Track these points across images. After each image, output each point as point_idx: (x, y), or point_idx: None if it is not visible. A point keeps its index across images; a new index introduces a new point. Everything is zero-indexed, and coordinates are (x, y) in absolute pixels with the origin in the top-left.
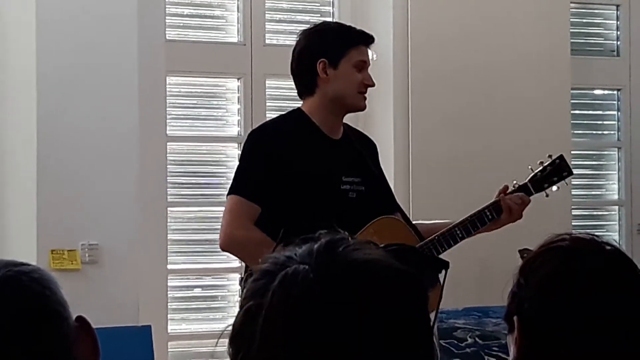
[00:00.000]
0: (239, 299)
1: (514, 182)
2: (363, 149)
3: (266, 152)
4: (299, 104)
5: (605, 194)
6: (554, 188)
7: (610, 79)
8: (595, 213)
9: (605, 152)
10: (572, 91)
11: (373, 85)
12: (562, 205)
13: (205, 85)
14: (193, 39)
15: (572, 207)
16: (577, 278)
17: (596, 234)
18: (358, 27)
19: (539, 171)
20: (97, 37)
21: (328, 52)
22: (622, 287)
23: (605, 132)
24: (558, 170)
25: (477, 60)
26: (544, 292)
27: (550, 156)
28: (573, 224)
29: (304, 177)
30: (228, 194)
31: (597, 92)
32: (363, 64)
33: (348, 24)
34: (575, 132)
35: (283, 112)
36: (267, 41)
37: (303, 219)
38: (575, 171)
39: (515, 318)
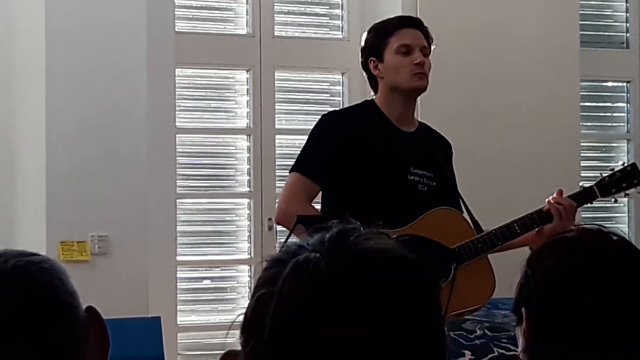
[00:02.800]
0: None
1: (580, 184)
2: (437, 147)
3: (335, 136)
4: (307, 95)
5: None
6: (623, 195)
7: (620, 71)
8: (604, 205)
9: (615, 144)
10: (581, 83)
11: (421, 63)
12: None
13: (214, 77)
14: (202, 31)
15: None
16: (584, 269)
17: (604, 225)
18: (401, 16)
19: (607, 176)
20: (107, 30)
21: (373, 50)
22: (629, 278)
23: (614, 124)
24: (629, 177)
25: (486, 53)
26: (551, 283)
27: (623, 163)
28: (582, 216)
29: (371, 163)
30: (290, 171)
31: (607, 84)
32: (406, 48)
33: (400, 14)
34: (585, 124)
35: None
36: (276, 33)
37: (369, 205)
38: (584, 163)
39: (523, 310)
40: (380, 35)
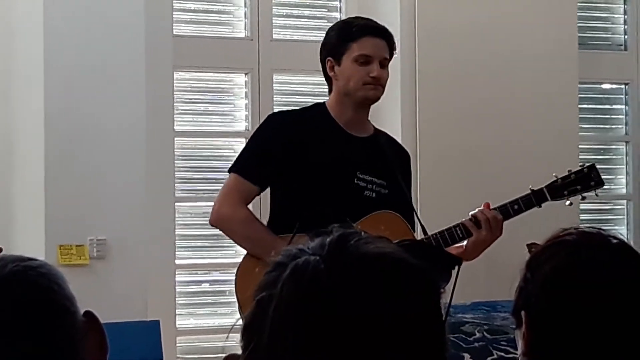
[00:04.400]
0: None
1: (530, 186)
2: (393, 155)
3: (277, 137)
4: (306, 99)
5: (613, 188)
6: (579, 197)
7: (618, 73)
8: (603, 207)
9: (613, 146)
10: (579, 85)
11: (377, 77)
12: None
13: (212, 80)
14: (200, 34)
15: (580, 201)
16: (583, 271)
17: (603, 227)
18: (367, 21)
19: (561, 177)
20: (105, 33)
21: (332, 50)
22: (628, 280)
23: (612, 126)
24: (584, 179)
25: (485, 54)
26: (551, 286)
27: (581, 165)
28: (581, 218)
29: (315, 166)
30: (229, 171)
31: (605, 86)
32: (365, 58)
33: (359, 16)
34: (583, 126)
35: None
36: (275, 36)
37: (312, 208)
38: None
39: (522, 313)
40: (342, 38)
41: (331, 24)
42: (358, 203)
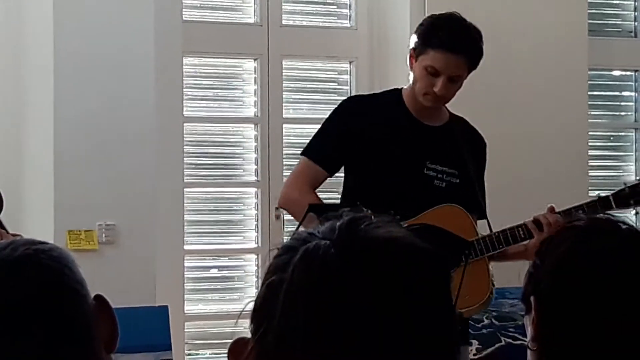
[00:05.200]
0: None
1: (598, 193)
2: (467, 145)
3: (351, 122)
4: (315, 84)
5: (622, 174)
6: None
7: (628, 60)
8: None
9: (623, 133)
10: (589, 72)
11: (437, 94)
12: (579, 186)
13: (222, 66)
14: (210, 20)
15: (589, 188)
16: (593, 257)
17: (612, 214)
18: (456, 32)
19: (629, 186)
20: (114, 19)
21: (415, 45)
22: (637, 266)
23: (622, 113)
24: None
25: (494, 42)
26: (560, 272)
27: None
28: None
29: (384, 154)
30: (300, 154)
31: (615, 73)
32: (433, 70)
33: (452, 17)
34: (593, 113)
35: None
36: (284, 22)
37: (381, 196)
38: (592, 152)
39: (532, 298)
40: (424, 39)
41: (340, 9)
42: (427, 192)
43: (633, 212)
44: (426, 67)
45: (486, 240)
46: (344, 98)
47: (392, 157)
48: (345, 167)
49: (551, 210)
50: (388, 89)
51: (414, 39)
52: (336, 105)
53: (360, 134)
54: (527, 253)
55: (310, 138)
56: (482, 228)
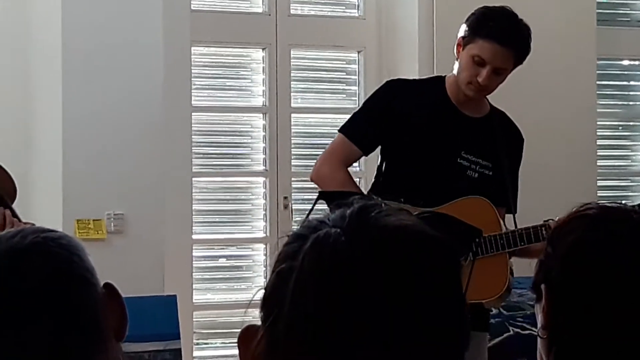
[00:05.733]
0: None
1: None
2: (505, 138)
3: (391, 105)
4: (323, 74)
5: (631, 164)
6: None
7: (637, 49)
8: (621, 184)
9: (632, 123)
10: (598, 62)
11: (481, 84)
12: (588, 175)
13: (230, 55)
14: (218, 9)
15: (598, 177)
16: (603, 245)
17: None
18: (507, 24)
19: None
20: (123, 8)
21: (464, 33)
22: None
23: (631, 103)
24: None
25: None
26: (572, 260)
27: None
28: (599, 194)
29: (420, 140)
30: (339, 130)
31: (624, 62)
32: (480, 59)
33: (504, 9)
34: (601, 102)
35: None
36: (292, 11)
37: (414, 181)
38: (600, 142)
39: (542, 286)
40: (474, 28)
41: (347, 0)
42: (459, 181)
43: None
44: (473, 56)
45: (509, 235)
46: (387, 80)
47: (428, 143)
48: (381, 149)
49: None
50: (432, 75)
51: (463, 27)
52: (379, 86)
53: (399, 116)
54: None
55: (350, 115)
56: (509, 223)
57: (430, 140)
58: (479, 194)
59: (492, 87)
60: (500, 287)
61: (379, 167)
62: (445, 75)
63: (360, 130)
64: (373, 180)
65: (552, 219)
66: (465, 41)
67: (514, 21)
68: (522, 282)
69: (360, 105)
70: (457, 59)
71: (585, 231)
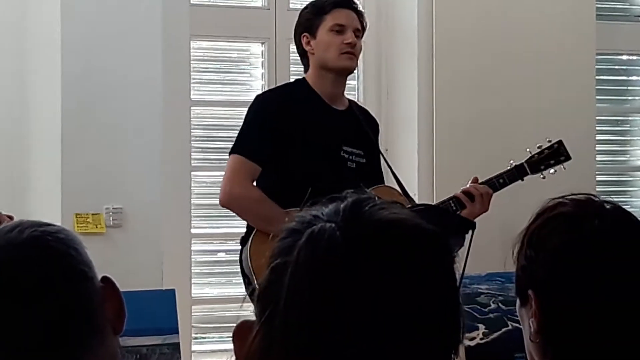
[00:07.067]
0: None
1: (511, 161)
2: (367, 125)
3: (270, 116)
4: None
5: (630, 159)
6: (551, 171)
7: (636, 44)
8: (619, 179)
9: (630, 118)
10: (597, 56)
11: (352, 43)
12: (587, 170)
13: (229, 49)
14: (217, 3)
15: (597, 172)
16: (590, 242)
17: (613, 198)
18: None
19: (536, 153)
20: (122, 2)
21: (307, 25)
22: (632, 243)
23: (630, 98)
24: (555, 154)
25: (502, 24)
26: (560, 262)
27: (549, 141)
28: (597, 189)
29: (306, 140)
30: (230, 153)
31: (623, 57)
32: (340, 27)
33: None
34: (600, 97)
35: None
36: (291, 5)
37: (303, 182)
38: (599, 137)
39: (530, 292)
40: (316, 12)
41: None
42: (342, 174)
43: None
44: (331, 28)
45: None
46: (257, 95)
47: (314, 142)
48: (270, 159)
49: (475, 180)
50: (289, 81)
51: (302, 25)
52: (252, 103)
53: (284, 124)
54: None
55: (237, 136)
56: None
57: (318, 139)
58: (360, 182)
59: (358, 51)
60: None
61: (266, 179)
62: (303, 77)
63: (255, 147)
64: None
65: (461, 192)
66: (312, 30)
67: None
68: None
69: (243, 124)
70: (310, 55)
71: (567, 232)
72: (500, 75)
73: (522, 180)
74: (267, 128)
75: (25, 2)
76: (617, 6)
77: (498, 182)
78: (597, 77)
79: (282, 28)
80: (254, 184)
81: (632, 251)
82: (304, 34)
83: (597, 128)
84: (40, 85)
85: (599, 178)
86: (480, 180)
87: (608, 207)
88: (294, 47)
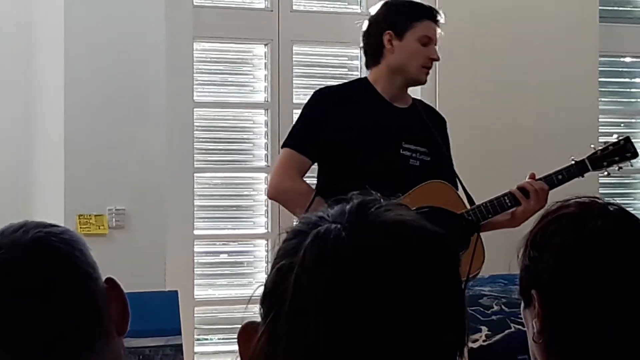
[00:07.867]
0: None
1: (572, 158)
2: (432, 123)
3: (327, 111)
4: (325, 70)
5: (633, 161)
6: (616, 168)
7: (639, 46)
8: (622, 181)
9: (633, 120)
10: (600, 59)
11: (437, 59)
12: (590, 172)
13: (232, 51)
14: (220, 5)
15: (599, 175)
16: (593, 242)
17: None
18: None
19: (600, 149)
20: (125, 4)
21: (395, 24)
22: (635, 243)
23: (633, 100)
24: (621, 150)
25: (505, 27)
26: (563, 262)
27: (618, 137)
28: (600, 191)
29: (362, 138)
30: (282, 146)
31: (626, 59)
32: (428, 40)
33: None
34: (603, 99)
35: (341, 79)
36: (295, 7)
37: (361, 179)
38: (602, 139)
39: (533, 292)
40: (406, 15)
41: None
42: (404, 172)
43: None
44: (421, 39)
45: (475, 210)
46: (316, 90)
47: (371, 139)
48: (324, 154)
49: (532, 177)
50: (352, 79)
51: (388, 21)
52: (309, 98)
53: (339, 120)
54: (514, 220)
55: (290, 129)
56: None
57: (375, 137)
58: (425, 180)
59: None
60: (481, 260)
61: (322, 175)
62: (365, 77)
63: (306, 141)
64: (316, 189)
65: (519, 188)
66: (400, 31)
67: (428, 6)
68: None
69: (298, 118)
70: (388, 54)
71: (570, 231)
72: (503, 77)
73: (582, 177)
74: (321, 123)
75: (30, 5)
76: (620, 9)
77: (556, 179)
78: (600, 79)
79: (285, 30)
80: (308, 178)
81: (635, 251)
82: (389, 31)
83: (600, 130)
84: (44, 87)
85: (602, 180)
86: (537, 177)
87: (611, 208)
88: (297, 48)
